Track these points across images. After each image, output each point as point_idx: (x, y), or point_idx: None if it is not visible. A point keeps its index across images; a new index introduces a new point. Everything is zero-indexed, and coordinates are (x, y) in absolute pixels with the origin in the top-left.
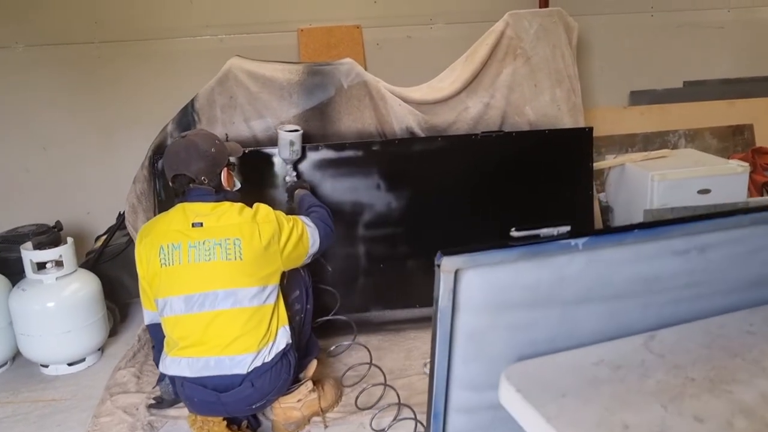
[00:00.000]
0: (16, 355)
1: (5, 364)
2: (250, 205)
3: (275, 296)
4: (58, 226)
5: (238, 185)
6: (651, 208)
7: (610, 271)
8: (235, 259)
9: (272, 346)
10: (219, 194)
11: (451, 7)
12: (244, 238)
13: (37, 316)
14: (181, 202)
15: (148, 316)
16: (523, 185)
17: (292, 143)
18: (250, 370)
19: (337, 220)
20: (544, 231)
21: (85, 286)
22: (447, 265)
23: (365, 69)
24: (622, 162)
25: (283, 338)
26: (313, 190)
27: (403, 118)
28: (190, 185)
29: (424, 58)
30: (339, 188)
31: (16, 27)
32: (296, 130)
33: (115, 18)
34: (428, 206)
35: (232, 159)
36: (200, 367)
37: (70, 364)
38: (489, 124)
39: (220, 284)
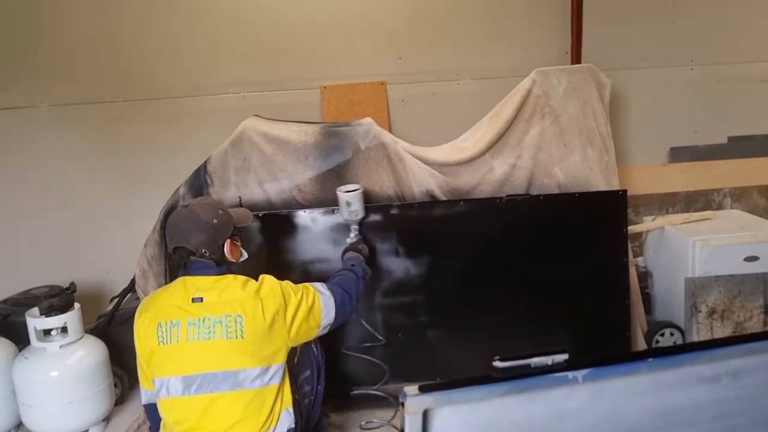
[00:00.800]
0: (20, 425)
1: None
2: (257, 276)
3: (280, 376)
4: (72, 288)
5: (245, 256)
6: (693, 276)
7: (621, 405)
8: (236, 337)
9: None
10: (221, 267)
11: (478, 62)
12: (246, 315)
13: (39, 385)
14: (183, 275)
15: (146, 395)
16: (552, 251)
17: (348, 204)
18: None
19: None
20: (536, 361)
21: (90, 353)
22: (413, 405)
23: (389, 127)
24: (660, 225)
25: (285, 423)
26: (372, 252)
27: (423, 181)
28: (191, 258)
29: (450, 115)
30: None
31: (41, 87)
32: (355, 190)
33: (138, 77)
34: (450, 273)
35: (241, 227)
36: None
37: None
38: (515, 186)
39: (220, 365)
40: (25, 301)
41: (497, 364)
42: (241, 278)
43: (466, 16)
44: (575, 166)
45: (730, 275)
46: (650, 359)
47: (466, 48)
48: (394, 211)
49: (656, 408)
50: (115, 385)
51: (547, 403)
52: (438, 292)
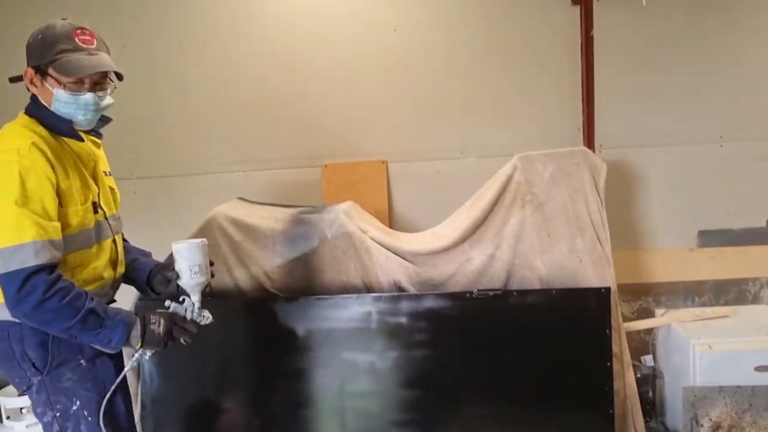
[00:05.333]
0: None
1: None
2: None
3: None
4: None
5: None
6: (693, 385)
7: None
8: None
9: None
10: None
11: (483, 139)
12: None
13: None
14: None
15: None
16: (528, 353)
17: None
18: None
19: (313, 377)
20: None
21: None
22: None
23: (389, 206)
24: (665, 322)
25: None
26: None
27: (390, 272)
28: None
29: (455, 194)
30: (317, 343)
31: None
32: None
33: (150, 155)
34: (416, 371)
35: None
36: None
37: None
38: (493, 278)
39: None
40: None
41: None
42: (6, 130)
43: (470, 93)
44: (561, 258)
45: (738, 386)
46: None
47: (470, 125)
48: (357, 303)
49: None
50: None
51: None
52: (401, 393)
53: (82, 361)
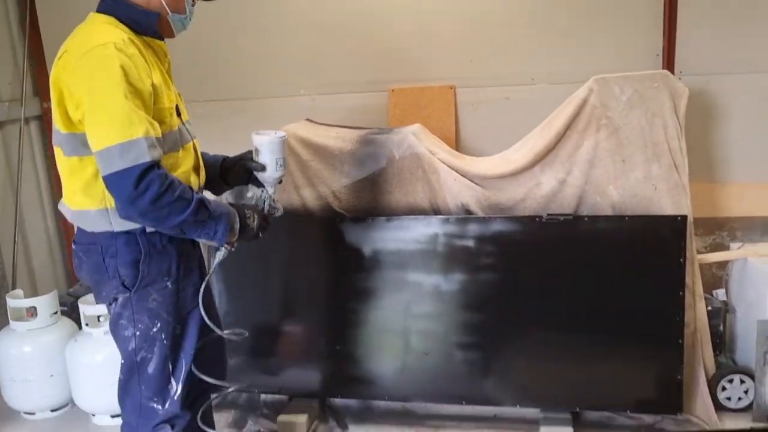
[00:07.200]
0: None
1: (65, 406)
2: None
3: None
4: None
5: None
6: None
7: None
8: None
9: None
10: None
11: (555, 65)
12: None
13: (83, 368)
14: None
15: None
16: (597, 279)
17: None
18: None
19: (379, 297)
20: None
21: None
22: None
23: (457, 132)
24: (741, 255)
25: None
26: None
27: (458, 194)
28: None
29: (523, 121)
30: (384, 264)
31: None
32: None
33: (217, 78)
34: (482, 295)
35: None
36: None
37: (113, 416)
38: (563, 204)
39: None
40: None
41: None
42: (91, 28)
43: (542, 16)
44: (635, 185)
45: None
46: None
47: (541, 50)
48: (424, 225)
49: None
50: None
51: None
52: (466, 312)
53: (168, 284)
